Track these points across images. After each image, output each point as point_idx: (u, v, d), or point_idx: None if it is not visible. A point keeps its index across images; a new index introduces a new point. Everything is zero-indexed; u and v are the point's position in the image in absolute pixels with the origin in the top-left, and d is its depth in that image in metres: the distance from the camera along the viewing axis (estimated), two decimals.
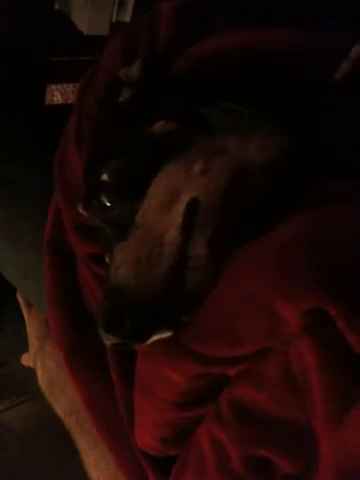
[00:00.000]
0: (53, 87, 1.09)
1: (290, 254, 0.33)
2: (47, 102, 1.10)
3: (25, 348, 0.71)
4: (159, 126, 0.44)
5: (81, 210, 0.47)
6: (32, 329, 0.68)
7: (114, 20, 0.93)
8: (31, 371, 0.68)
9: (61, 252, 0.55)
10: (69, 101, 1.12)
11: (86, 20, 0.92)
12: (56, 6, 1.00)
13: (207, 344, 0.37)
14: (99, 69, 0.55)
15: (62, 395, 0.60)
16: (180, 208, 0.40)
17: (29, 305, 0.70)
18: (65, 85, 1.08)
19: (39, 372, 0.65)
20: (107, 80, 0.53)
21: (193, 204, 0.39)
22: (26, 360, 0.71)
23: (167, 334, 0.39)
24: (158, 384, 0.41)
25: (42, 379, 0.64)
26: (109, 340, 0.38)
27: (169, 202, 0.40)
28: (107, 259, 0.45)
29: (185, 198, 0.40)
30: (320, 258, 0.31)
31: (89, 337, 0.53)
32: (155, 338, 0.39)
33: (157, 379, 0.41)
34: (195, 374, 0.38)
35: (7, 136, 0.75)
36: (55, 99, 1.13)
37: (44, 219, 0.59)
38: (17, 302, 0.71)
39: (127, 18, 0.93)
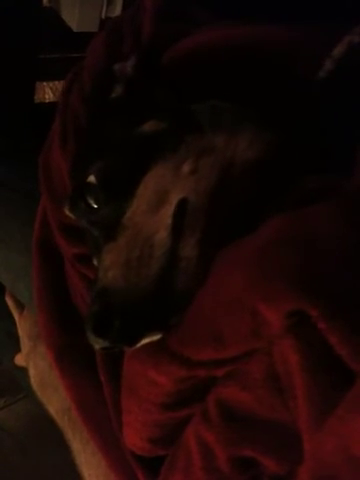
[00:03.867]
0: (44, 84, 1.08)
1: (271, 255, 0.33)
2: (39, 100, 1.10)
3: (18, 348, 0.71)
4: (149, 126, 0.44)
5: (67, 212, 0.46)
6: (23, 329, 0.68)
7: (104, 16, 0.92)
8: (25, 370, 0.68)
9: (50, 252, 0.55)
10: None
11: (75, 17, 0.92)
12: (45, 3, 1.00)
13: (191, 347, 0.37)
14: (84, 66, 0.55)
15: (54, 395, 0.60)
16: (169, 209, 0.39)
17: (20, 306, 0.69)
18: (57, 83, 1.07)
19: (31, 372, 0.65)
20: (94, 76, 0.52)
21: (182, 205, 0.39)
22: (19, 360, 0.71)
23: (156, 337, 0.39)
24: (144, 386, 0.41)
25: (34, 379, 0.64)
26: (98, 344, 0.38)
27: (158, 202, 0.40)
28: (95, 261, 0.45)
29: (174, 199, 0.40)
30: (300, 259, 0.31)
31: (78, 338, 0.53)
32: (144, 341, 0.38)
33: (143, 381, 0.41)
34: (180, 377, 0.38)
35: None
36: (47, 96, 1.12)
37: (33, 219, 0.59)
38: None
39: (116, 14, 0.93)
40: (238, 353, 0.35)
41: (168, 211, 0.39)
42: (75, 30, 0.93)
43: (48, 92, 1.11)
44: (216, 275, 0.37)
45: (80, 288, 0.52)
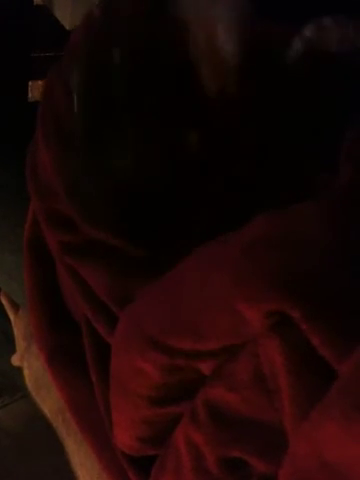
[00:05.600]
0: (39, 83, 1.08)
1: (254, 255, 0.32)
2: (33, 98, 1.09)
3: (14, 348, 0.71)
4: None
5: None
6: (18, 330, 0.68)
7: None
8: (22, 370, 0.68)
9: (41, 252, 0.55)
10: None
11: (68, 14, 0.91)
12: (38, 0, 0.99)
13: (171, 336, 0.37)
14: (65, 57, 0.53)
15: (48, 395, 0.60)
16: None
17: (15, 306, 0.70)
18: None
19: (26, 372, 0.65)
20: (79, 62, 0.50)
21: None
22: (16, 360, 0.71)
23: None
24: (132, 378, 0.41)
25: (29, 379, 0.64)
26: None
27: None
28: None
29: None
30: (283, 260, 0.31)
31: (70, 338, 0.53)
32: None
33: (130, 372, 0.41)
34: (165, 365, 0.38)
35: None
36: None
37: (24, 220, 0.59)
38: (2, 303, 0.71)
39: None
40: (218, 347, 0.35)
41: None
42: (68, 28, 0.92)
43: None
44: (199, 270, 0.37)
45: (70, 286, 0.51)
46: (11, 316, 0.70)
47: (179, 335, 0.36)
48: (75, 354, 0.51)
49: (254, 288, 0.31)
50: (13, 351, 0.72)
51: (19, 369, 0.70)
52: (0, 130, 0.77)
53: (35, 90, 1.07)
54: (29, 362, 0.64)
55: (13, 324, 0.70)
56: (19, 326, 0.68)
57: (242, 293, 0.31)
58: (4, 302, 0.71)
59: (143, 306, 0.42)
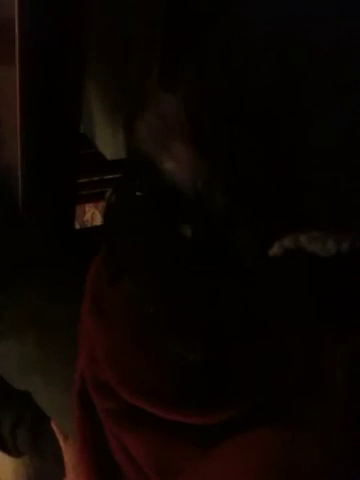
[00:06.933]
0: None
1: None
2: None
3: (64, 470, 0.75)
4: None
5: None
6: (68, 457, 0.72)
7: None
8: None
9: (90, 406, 0.57)
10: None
11: (109, 146, 1.00)
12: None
13: None
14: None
15: None
16: None
17: (64, 434, 0.73)
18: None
19: None
20: None
21: None
22: None
23: None
24: None
25: None
26: None
27: None
28: None
29: None
30: None
31: None
32: None
33: None
34: None
35: (38, 261, 0.81)
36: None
37: (75, 358, 0.63)
38: None
39: None
40: None
41: None
42: (109, 158, 1.01)
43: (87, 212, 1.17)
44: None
45: (114, 447, 0.53)
46: (61, 442, 0.74)
47: None
48: None
49: None
50: (63, 473, 0.76)
51: None
52: (51, 260, 0.83)
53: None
54: None
55: (63, 450, 0.74)
56: (69, 454, 0.72)
57: None
58: (55, 429, 0.75)
59: None
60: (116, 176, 1.08)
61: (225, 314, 0.42)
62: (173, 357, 0.46)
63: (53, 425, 0.76)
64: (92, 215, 1.26)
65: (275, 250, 0.41)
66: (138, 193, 0.45)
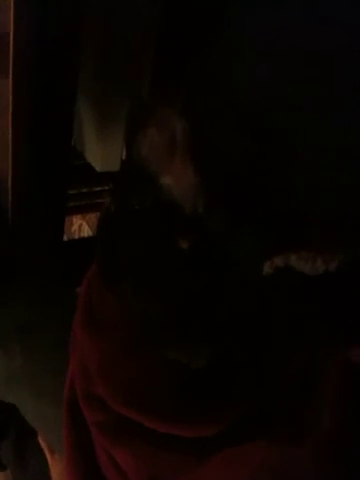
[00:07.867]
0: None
1: None
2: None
3: None
4: None
5: None
6: (55, 473, 0.71)
7: (124, 157, 1.00)
8: None
9: (80, 417, 0.56)
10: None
11: (99, 158, 1.00)
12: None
13: None
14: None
15: None
16: None
17: (51, 449, 0.73)
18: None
19: None
20: None
21: None
22: None
23: None
24: None
25: None
26: None
27: None
28: None
29: None
30: None
31: None
32: None
33: None
34: None
35: (27, 272, 0.80)
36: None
37: (63, 371, 0.63)
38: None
39: None
40: None
41: None
42: (99, 170, 1.01)
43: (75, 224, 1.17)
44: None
45: (104, 462, 0.53)
46: (48, 457, 0.73)
47: None
48: None
49: None
50: None
51: None
52: (40, 270, 0.83)
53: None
54: None
55: (50, 465, 0.73)
56: (56, 469, 0.71)
57: None
58: (42, 443, 0.74)
59: None
60: (105, 188, 1.08)
61: (228, 319, 0.43)
62: (171, 367, 0.46)
63: (40, 439, 0.75)
64: (79, 227, 1.26)
65: (267, 269, 0.42)
66: (137, 206, 0.45)
